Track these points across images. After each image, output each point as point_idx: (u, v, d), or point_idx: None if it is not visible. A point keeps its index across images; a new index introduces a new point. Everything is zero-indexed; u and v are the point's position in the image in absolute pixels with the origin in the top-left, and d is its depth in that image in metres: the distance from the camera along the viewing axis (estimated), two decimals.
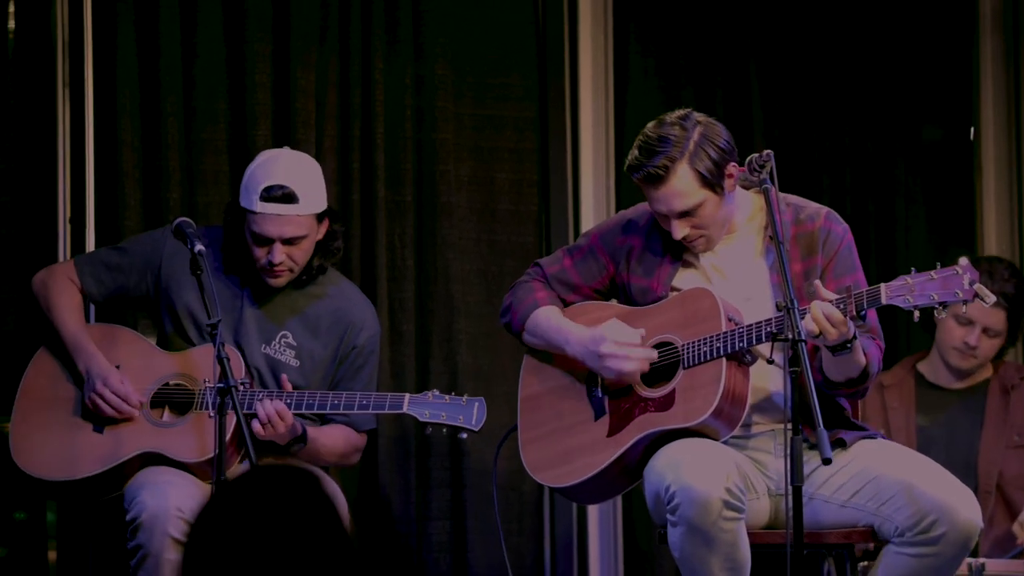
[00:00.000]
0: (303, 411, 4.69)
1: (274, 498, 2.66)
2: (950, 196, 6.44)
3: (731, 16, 6.24)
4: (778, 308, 4.11)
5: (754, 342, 4.22)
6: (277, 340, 4.86)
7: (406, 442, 5.74)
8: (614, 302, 4.59)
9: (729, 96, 6.21)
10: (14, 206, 5.34)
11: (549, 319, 4.51)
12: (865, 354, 4.23)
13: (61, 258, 5.35)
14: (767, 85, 6.26)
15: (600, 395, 4.44)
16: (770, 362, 4.15)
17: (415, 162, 5.82)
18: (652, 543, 5.97)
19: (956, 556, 4.19)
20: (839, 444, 4.32)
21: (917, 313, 4.08)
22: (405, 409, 4.64)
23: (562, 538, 5.99)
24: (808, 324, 4.09)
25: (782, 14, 6.29)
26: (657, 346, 4.39)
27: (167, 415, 4.76)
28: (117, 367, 4.77)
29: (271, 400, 4.62)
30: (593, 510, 5.98)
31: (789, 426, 4.02)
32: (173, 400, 4.77)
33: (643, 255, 4.48)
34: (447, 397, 4.66)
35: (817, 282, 4.19)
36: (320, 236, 4.85)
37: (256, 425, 4.58)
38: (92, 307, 5.10)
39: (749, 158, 4.30)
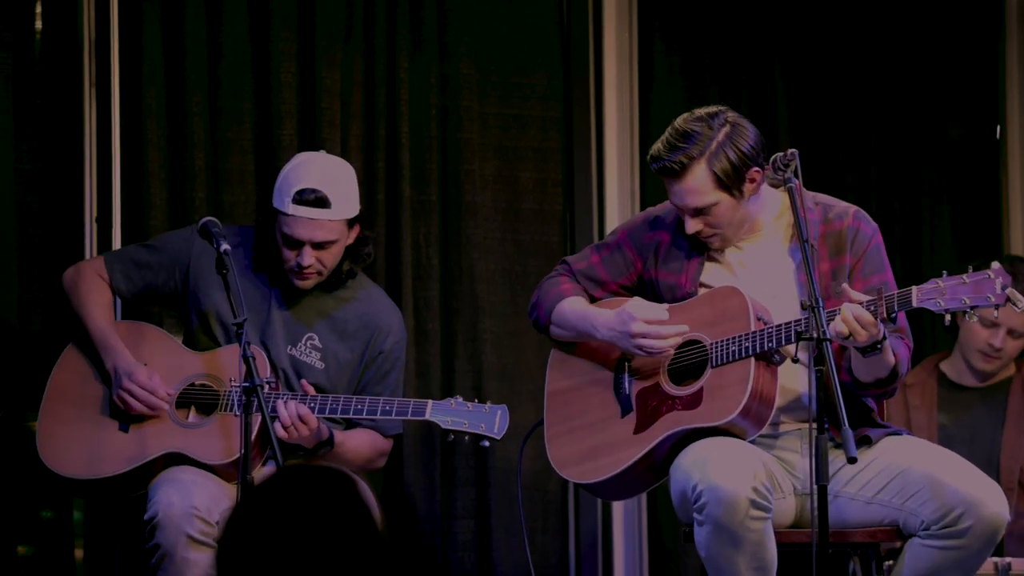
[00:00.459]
0: (327, 415, 4.69)
1: (310, 499, 2.66)
2: (975, 195, 6.42)
3: (756, 14, 6.23)
4: (802, 307, 4.10)
5: (783, 342, 4.22)
6: (303, 342, 4.87)
7: (431, 441, 5.74)
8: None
9: (754, 95, 6.21)
10: (41, 205, 5.36)
11: (575, 308, 4.51)
12: (894, 354, 4.23)
13: (88, 257, 5.36)
14: (792, 83, 6.26)
15: (627, 391, 4.45)
16: (795, 361, 4.15)
17: (440, 161, 5.82)
18: (677, 541, 5.97)
19: (982, 550, 4.18)
20: (865, 441, 4.32)
21: (948, 317, 4.07)
22: (428, 416, 4.64)
23: (587, 536, 5.99)
24: (838, 326, 4.08)
25: (807, 12, 6.28)
26: (685, 344, 4.39)
27: (192, 416, 4.77)
28: (144, 365, 4.78)
29: (294, 403, 4.62)
30: (618, 508, 5.98)
31: (814, 425, 4.01)
32: (199, 401, 4.78)
33: (670, 251, 4.48)
34: (469, 405, 4.66)
35: (845, 285, 4.18)
36: (351, 241, 4.85)
37: (279, 427, 4.59)
38: (119, 304, 5.11)
39: (774, 157, 4.30)
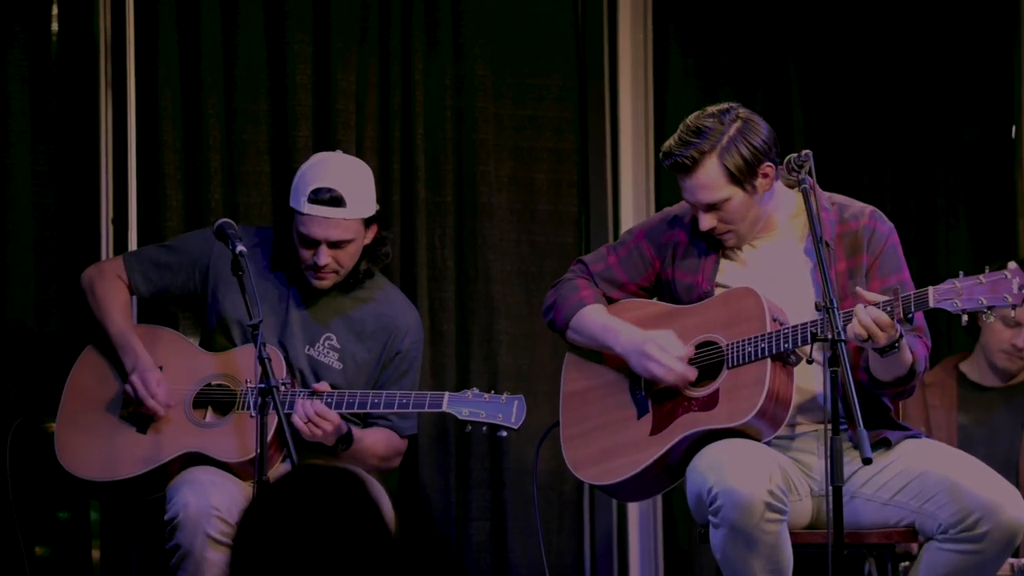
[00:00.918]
0: (343, 410, 4.70)
1: (320, 499, 2.67)
2: (991, 195, 6.41)
3: (771, 15, 6.23)
4: (817, 308, 4.10)
5: (799, 343, 4.22)
6: (321, 342, 4.87)
7: (446, 442, 5.75)
8: (656, 300, 4.59)
9: (769, 96, 6.21)
10: (57, 207, 5.37)
11: (595, 318, 4.51)
12: (912, 352, 4.22)
13: (104, 259, 5.36)
14: (807, 85, 6.25)
15: (643, 393, 4.45)
16: (810, 362, 4.15)
17: (455, 163, 5.83)
18: (693, 542, 5.97)
19: (999, 555, 4.18)
20: (883, 444, 4.31)
21: (965, 317, 4.07)
22: (444, 408, 4.65)
23: (602, 537, 6.00)
24: (856, 329, 4.08)
25: (822, 13, 6.28)
26: (701, 345, 4.39)
27: (210, 415, 4.78)
28: (160, 368, 4.79)
29: (311, 400, 4.63)
30: (633, 509, 5.98)
31: (829, 426, 4.01)
32: (215, 400, 4.79)
33: (687, 250, 4.49)
34: (486, 396, 4.66)
35: (859, 289, 4.18)
36: (368, 241, 4.85)
37: (298, 422, 4.60)
38: (135, 305, 5.12)
39: (788, 157, 4.30)
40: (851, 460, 4.12)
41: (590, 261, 4.62)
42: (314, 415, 4.61)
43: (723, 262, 4.45)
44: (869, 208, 4.44)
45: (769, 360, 4.24)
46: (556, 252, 5.94)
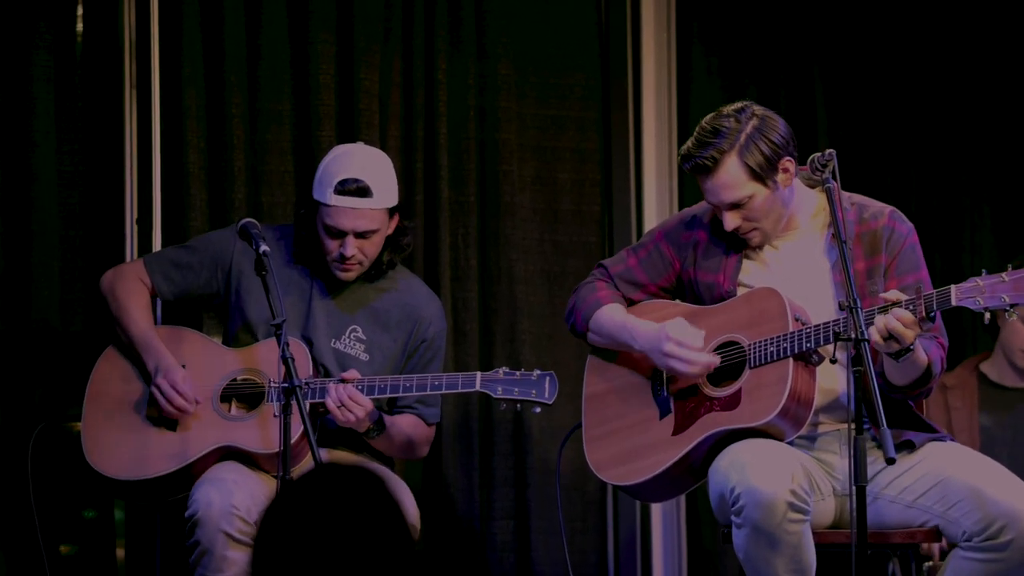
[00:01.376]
0: (376, 395, 4.71)
1: (337, 497, 2.67)
2: (1017, 194, 6.39)
3: (794, 15, 6.22)
4: (840, 308, 4.09)
5: (821, 342, 4.21)
6: (347, 334, 4.89)
7: (470, 441, 5.75)
8: (678, 301, 4.59)
9: (792, 95, 6.20)
10: (82, 207, 5.39)
11: (613, 317, 4.51)
12: (927, 354, 4.21)
13: (128, 259, 5.38)
14: (830, 84, 6.24)
15: (665, 394, 4.45)
16: (833, 361, 4.14)
17: (478, 162, 5.83)
18: (716, 542, 5.97)
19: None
20: (907, 446, 4.30)
21: (988, 315, 4.05)
22: (478, 387, 4.66)
23: (625, 537, 5.99)
24: (882, 332, 4.06)
25: (845, 12, 6.26)
26: (723, 345, 4.38)
27: (236, 409, 4.79)
28: (183, 366, 4.80)
29: (343, 385, 4.65)
30: (657, 509, 5.98)
31: (853, 426, 4.00)
32: (242, 394, 4.80)
33: (708, 249, 4.48)
34: (517, 373, 4.68)
35: (883, 295, 4.17)
36: (390, 231, 4.87)
37: (332, 406, 4.61)
38: (159, 306, 5.14)
39: (811, 157, 4.30)
40: (874, 460, 4.11)
41: (610, 264, 4.63)
42: (347, 399, 4.62)
43: (745, 262, 4.44)
44: (889, 208, 4.43)
45: (791, 360, 4.24)
46: (579, 251, 5.94)
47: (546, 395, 4.65)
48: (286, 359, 4.39)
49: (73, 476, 4.98)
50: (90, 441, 4.79)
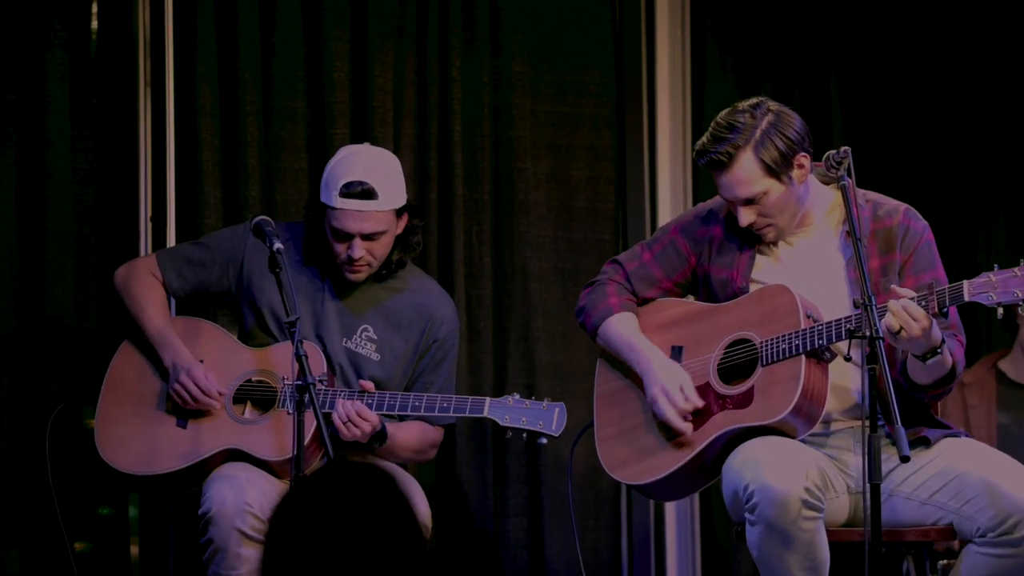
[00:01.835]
0: (384, 411, 4.71)
1: (347, 495, 2.67)
2: None
3: (809, 12, 6.21)
4: (855, 305, 4.08)
5: (833, 339, 4.20)
6: (358, 334, 4.88)
7: (483, 439, 5.75)
8: (690, 298, 4.58)
9: (807, 93, 6.19)
10: (97, 204, 5.40)
11: (620, 331, 4.50)
12: (951, 353, 4.20)
13: (143, 256, 5.38)
14: (846, 81, 6.23)
15: None
16: (847, 359, 4.13)
17: (492, 160, 5.83)
18: (730, 540, 5.96)
19: None
20: (923, 442, 4.29)
21: (1000, 310, 4.04)
22: (486, 413, 4.64)
23: (639, 535, 5.99)
24: (888, 320, 4.06)
25: (861, 10, 6.25)
26: (735, 343, 4.38)
27: (249, 412, 4.79)
28: (200, 362, 4.81)
29: (351, 401, 4.64)
30: (670, 507, 5.97)
31: (867, 423, 3.99)
32: (255, 397, 4.80)
33: (723, 245, 4.47)
34: (527, 402, 4.65)
35: (894, 285, 4.16)
36: (399, 231, 4.87)
37: (337, 422, 4.61)
38: (173, 300, 5.14)
39: (827, 154, 4.29)
40: (888, 457, 4.10)
41: (624, 260, 4.61)
42: (354, 415, 4.61)
43: (759, 258, 4.43)
44: (903, 206, 4.42)
45: (804, 357, 4.23)
46: (593, 249, 5.94)
47: (553, 427, 4.63)
48: (299, 356, 4.39)
49: (87, 472, 4.98)
50: (104, 435, 4.80)
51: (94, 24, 5.45)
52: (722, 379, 4.36)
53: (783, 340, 4.26)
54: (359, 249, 4.77)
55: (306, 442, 4.46)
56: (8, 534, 5.20)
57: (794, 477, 4.10)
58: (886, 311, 4.08)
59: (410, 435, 4.85)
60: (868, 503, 3.97)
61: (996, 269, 4.07)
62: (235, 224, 5.21)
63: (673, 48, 6.11)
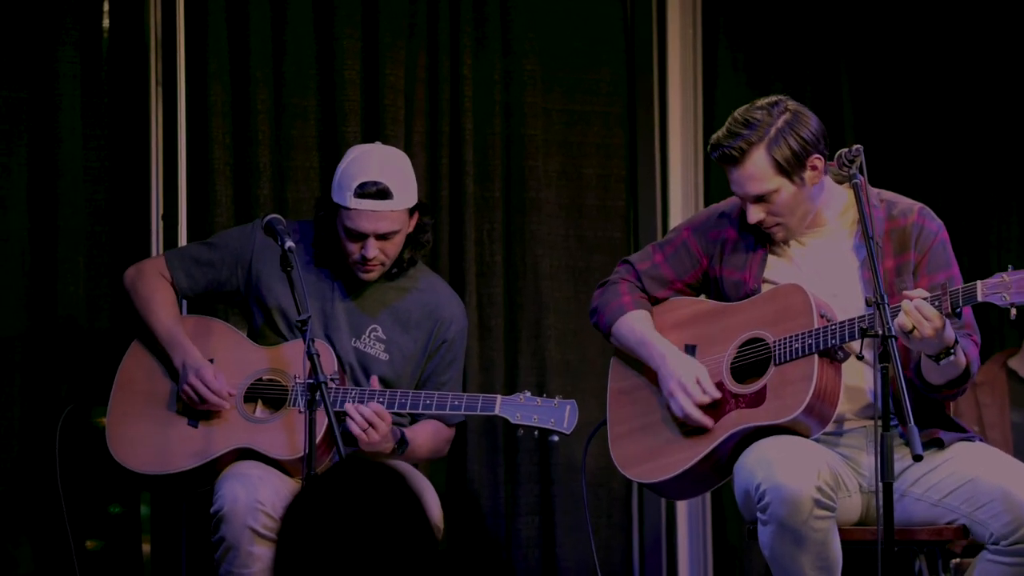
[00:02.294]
0: (395, 410, 4.71)
1: (358, 493, 2.68)
2: None
3: (821, 10, 6.20)
4: (868, 304, 4.08)
5: (846, 339, 4.19)
6: (367, 334, 4.89)
7: (495, 437, 5.76)
8: (703, 297, 4.58)
9: (819, 91, 6.18)
10: (108, 203, 5.41)
11: (633, 328, 4.50)
12: (965, 354, 4.19)
13: (154, 255, 5.39)
14: (857, 79, 6.23)
15: None
16: (859, 358, 4.12)
17: (504, 158, 5.83)
18: (742, 538, 5.96)
19: None
20: (936, 444, 4.28)
21: (1014, 311, 4.03)
22: (497, 411, 4.64)
23: (651, 533, 5.99)
24: (901, 319, 4.05)
25: (872, 7, 6.24)
26: (748, 342, 4.37)
27: (260, 411, 4.79)
28: (211, 360, 4.81)
29: (365, 404, 4.63)
30: (682, 505, 5.97)
31: (879, 422, 3.98)
32: (266, 396, 4.80)
33: (736, 246, 4.47)
34: (539, 400, 4.65)
35: (906, 292, 4.15)
36: (411, 229, 4.87)
37: (356, 430, 4.60)
38: (184, 300, 5.15)
39: (839, 153, 4.28)
40: (901, 457, 4.09)
41: (636, 260, 4.61)
42: (373, 416, 4.61)
43: (771, 258, 4.43)
44: (918, 205, 4.41)
45: (816, 356, 4.22)
46: (604, 247, 5.94)
47: (564, 424, 4.62)
48: (311, 355, 4.39)
49: (98, 470, 4.99)
50: (115, 435, 4.81)
51: (106, 22, 5.45)
52: (735, 378, 4.36)
53: (796, 339, 4.26)
54: (373, 249, 4.78)
55: (319, 438, 4.46)
56: (21, 532, 5.21)
57: (806, 476, 4.09)
58: (899, 310, 4.08)
59: (426, 437, 4.86)
60: (881, 502, 3.96)
61: (1010, 269, 4.06)
62: (247, 222, 5.22)
63: (684, 46, 6.11)
